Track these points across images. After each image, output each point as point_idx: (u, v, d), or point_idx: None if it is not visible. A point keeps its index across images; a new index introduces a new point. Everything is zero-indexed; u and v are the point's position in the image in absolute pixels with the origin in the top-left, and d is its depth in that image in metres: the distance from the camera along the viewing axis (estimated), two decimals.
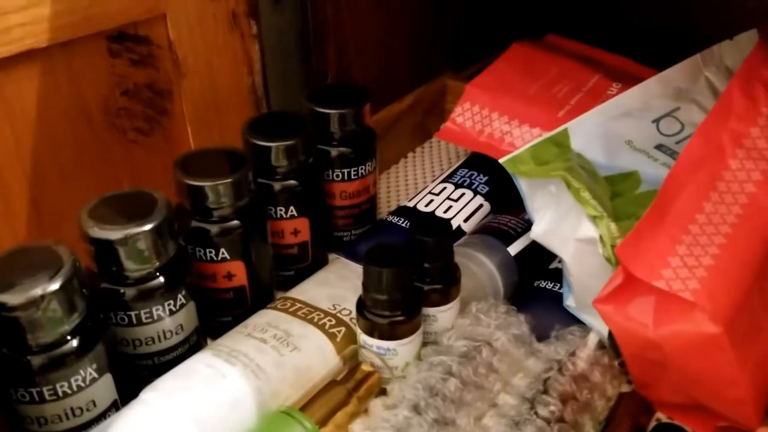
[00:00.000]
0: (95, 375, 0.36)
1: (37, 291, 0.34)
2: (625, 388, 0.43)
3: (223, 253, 0.44)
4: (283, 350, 0.41)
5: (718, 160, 0.44)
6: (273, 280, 0.49)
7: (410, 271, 0.42)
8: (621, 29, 0.68)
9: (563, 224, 0.45)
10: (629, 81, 0.56)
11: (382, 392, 0.42)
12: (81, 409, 0.37)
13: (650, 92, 0.53)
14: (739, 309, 0.38)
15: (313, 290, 0.48)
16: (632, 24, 0.70)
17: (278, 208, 0.48)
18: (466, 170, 0.59)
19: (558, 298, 0.47)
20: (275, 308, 0.45)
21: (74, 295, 0.35)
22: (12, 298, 0.33)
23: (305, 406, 0.39)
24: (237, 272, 0.45)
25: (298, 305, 0.45)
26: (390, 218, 0.54)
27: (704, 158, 0.44)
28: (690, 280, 0.38)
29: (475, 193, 0.56)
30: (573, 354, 0.42)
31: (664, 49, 0.56)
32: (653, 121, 0.51)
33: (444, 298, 0.44)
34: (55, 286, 0.34)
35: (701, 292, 0.38)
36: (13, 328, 0.34)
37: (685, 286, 0.38)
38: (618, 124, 0.50)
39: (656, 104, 0.52)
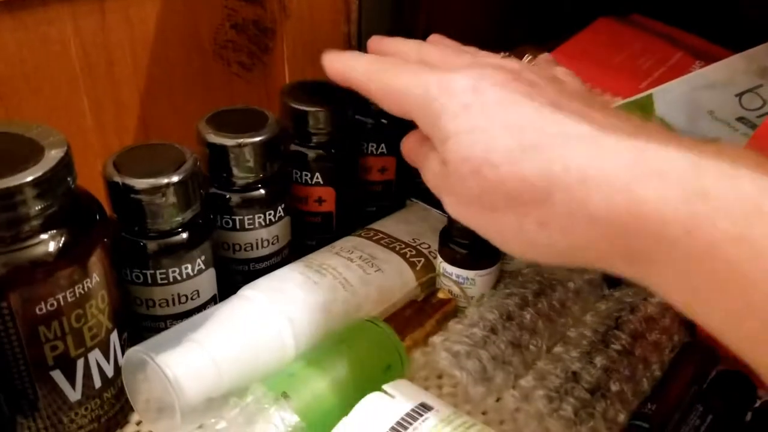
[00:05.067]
0: (202, 267, 0.40)
1: (162, 179, 0.37)
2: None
3: (317, 178, 0.47)
4: (368, 270, 0.44)
5: None
6: (357, 211, 0.52)
7: None
8: (706, 12, 0.69)
9: None
10: (712, 61, 0.57)
11: None
12: (186, 296, 0.40)
13: (735, 68, 0.54)
14: None
15: (393, 225, 0.50)
16: (718, 7, 0.71)
17: (369, 144, 0.51)
18: None
19: None
20: (359, 236, 0.48)
21: (191, 191, 0.38)
22: (139, 183, 0.36)
23: (386, 321, 0.42)
24: (327, 198, 0.48)
25: (381, 235, 0.48)
26: None
27: None
28: None
29: None
30: (645, 299, 0.43)
31: (750, 35, 0.57)
32: (736, 95, 0.52)
33: None
34: (177, 178, 0.37)
35: None
36: (135, 212, 0.37)
37: None
38: (702, 95, 0.52)
39: (740, 80, 0.53)
